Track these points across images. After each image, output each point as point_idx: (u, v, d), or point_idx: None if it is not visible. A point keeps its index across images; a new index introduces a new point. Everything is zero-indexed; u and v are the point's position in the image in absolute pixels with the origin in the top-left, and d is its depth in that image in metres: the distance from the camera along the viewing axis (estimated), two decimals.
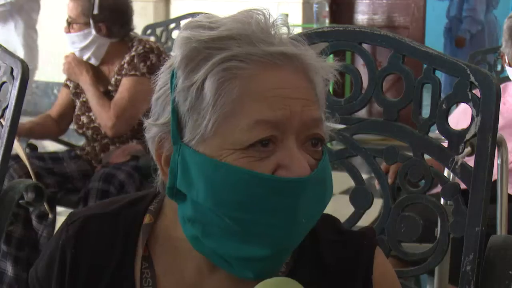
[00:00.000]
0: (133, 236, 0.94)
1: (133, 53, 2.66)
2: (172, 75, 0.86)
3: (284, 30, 0.87)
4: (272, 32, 0.86)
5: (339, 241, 0.94)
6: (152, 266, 0.93)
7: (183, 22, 3.40)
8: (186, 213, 0.87)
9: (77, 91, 2.79)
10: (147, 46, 2.67)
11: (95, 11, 2.67)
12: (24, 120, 2.23)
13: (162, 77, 0.89)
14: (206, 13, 0.88)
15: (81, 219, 0.96)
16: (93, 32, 2.69)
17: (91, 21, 2.68)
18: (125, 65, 2.66)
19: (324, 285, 0.91)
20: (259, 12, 0.86)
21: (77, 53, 2.80)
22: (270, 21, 0.86)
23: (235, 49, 0.83)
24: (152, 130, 0.89)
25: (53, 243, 0.97)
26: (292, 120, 0.82)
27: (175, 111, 0.85)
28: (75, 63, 2.74)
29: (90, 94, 2.68)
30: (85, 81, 2.70)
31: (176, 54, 0.85)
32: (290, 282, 0.83)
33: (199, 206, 0.84)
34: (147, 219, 0.95)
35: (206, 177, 0.82)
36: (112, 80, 2.71)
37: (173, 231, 0.92)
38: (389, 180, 1.96)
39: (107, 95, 2.70)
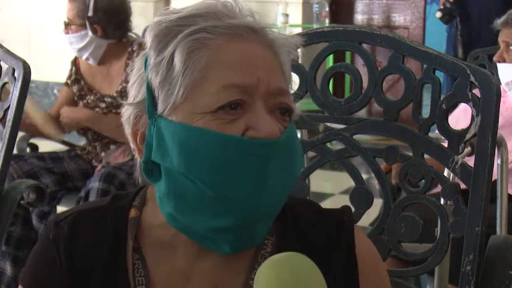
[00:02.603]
0: (122, 230, 0.96)
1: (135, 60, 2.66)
2: (146, 59, 0.90)
3: (249, 19, 0.91)
4: (238, 14, 0.90)
5: (319, 220, 0.97)
6: (143, 257, 0.94)
7: None
8: (161, 190, 0.90)
9: (82, 93, 2.80)
10: None
11: (90, 13, 2.68)
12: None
13: (137, 64, 0.94)
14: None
15: (73, 215, 0.98)
16: (90, 33, 2.70)
17: (87, 23, 2.69)
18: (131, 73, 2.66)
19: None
20: (226, 1, 0.91)
21: (75, 54, 2.81)
22: (237, 9, 0.91)
23: (202, 24, 0.87)
24: (127, 111, 0.93)
25: (43, 241, 0.98)
26: (259, 87, 0.86)
27: (149, 87, 0.89)
28: (70, 112, 2.70)
29: (102, 123, 2.67)
30: (89, 117, 2.68)
31: (147, 37, 0.90)
32: (298, 256, 0.82)
33: (173, 173, 0.87)
34: (132, 213, 0.97)
35: (179, 142, 0.85)
36: (119, 88, 2.70)
37: (155, 221, 0.94)
38: (393, 181, 1.96)
39: (111, 98, 2.70)
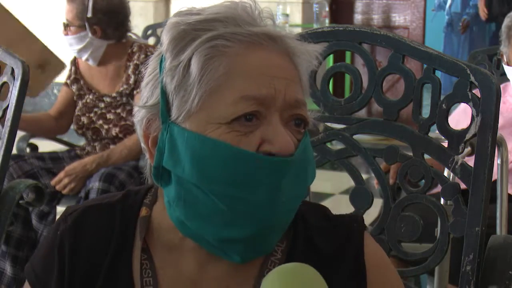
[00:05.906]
0: (131, 229, 0.95)
1: (136, 62, 2.66)
2: (161, 60, 0.88)
3: (269, 22, 0.90)
4: (258, 20, 0.89)
5: (329, 227, 0.96)
6: (151, 258, 0.94)
7: None
8: (171, 195, 0.88)
9: (81, 93, 2.80)
10: (149, 53, 2.68)
11: (89, 14, 2.68)
12: None
13: (151, 64, 0.92)
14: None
15: (79, 210, 0.97)
16: (89, 34, 2.70)
17: (86, 24, 2.68)
18: (132, 76, 2.66)
19: (319, 269, 0.91)
20: (246, 2, 0.89)
21: (75, 55, 2.81)
22: (256, 12, 0.89)
23: (221, 30, 0.85)
24: (140, 113, 0.91)
25: (51, 235, 0.97)
26: (276, 98, 0.84)
27: (163, 91, 0.87)
28: (70, 172, 2.61)
29: (114, 154, 2.62)
30: (95, 160, 2.62)
31: (164, 39, 0.88)
32: (303, 267, 0.82)
33: (184, 182, 0.86)
34: (143, 211, 0.96)
35: (193, 152, 0.84)
36: (120, 89, 2.70)
37: (164, 223, 0.93)
38: (391, 180, 1.96)
39: (110, 98, 2.70)
